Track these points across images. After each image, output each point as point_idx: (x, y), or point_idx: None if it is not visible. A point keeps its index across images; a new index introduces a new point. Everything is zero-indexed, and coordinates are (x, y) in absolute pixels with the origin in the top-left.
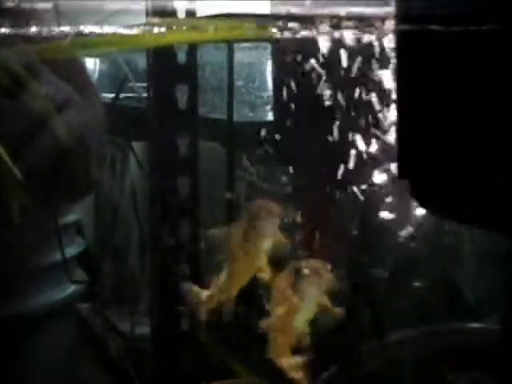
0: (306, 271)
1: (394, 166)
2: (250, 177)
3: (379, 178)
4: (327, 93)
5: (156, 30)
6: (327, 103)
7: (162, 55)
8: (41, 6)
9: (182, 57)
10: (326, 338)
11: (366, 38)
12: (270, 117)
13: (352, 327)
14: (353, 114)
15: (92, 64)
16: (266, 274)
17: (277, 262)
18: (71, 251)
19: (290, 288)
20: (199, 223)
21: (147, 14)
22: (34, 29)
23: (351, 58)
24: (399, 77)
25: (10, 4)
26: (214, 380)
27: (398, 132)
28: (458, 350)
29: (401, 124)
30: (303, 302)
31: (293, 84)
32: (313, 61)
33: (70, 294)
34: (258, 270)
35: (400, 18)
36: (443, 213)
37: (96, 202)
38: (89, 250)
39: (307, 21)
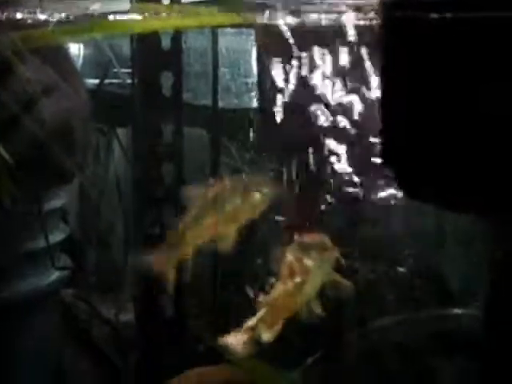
0: (311, 245)
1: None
2: (234, 163)
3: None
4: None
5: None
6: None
7: (146, 41)
8: None
9: (166, 43)
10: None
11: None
12: (255, 103)
13: (335, 314)
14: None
15: (76, 50)
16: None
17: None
18: (55, 237)
19: (297, 262)
20: (184, 210)
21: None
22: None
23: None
24: (383, 66)
25: None
26: (198, 366)
27: (382, 121)
28: (442, 336)
29: (385, 113)
30: (310, 275)
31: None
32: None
33: (54, 280)
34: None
35: (385, 4)
36: (426, 199)
37: (80, 189)
38: (73, 236)
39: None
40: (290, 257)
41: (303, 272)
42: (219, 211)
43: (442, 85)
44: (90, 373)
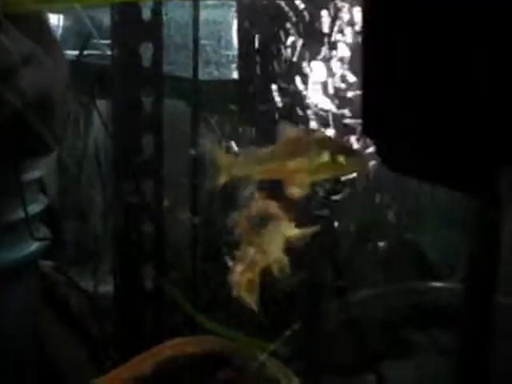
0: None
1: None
2: (214, 135)
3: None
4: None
5: None
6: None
7: (126, 12)
8: None
9: (146, 13)
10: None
11: None
12: (235, 75)
13: (315, 286)
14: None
15: (56, 20)
16: None
17: None
18: (34, 208)
19: (254, 228)
20: (163, 181)
21: None
22: None
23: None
24: (365, 37)
25: None
26: (176, 337)
27: (364, 91)
28: (420, 309)
29: (366, 84)
30: (270, 238)
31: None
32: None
33: (32, 251)
34: None
35: None
36: (405, 170)
37: (59, 160)
38: (52, 207)
39: None
40: (245, 224)
41: (260, 238)
42: (306, 160)
43: (425, 59)
44: (68, 343)
